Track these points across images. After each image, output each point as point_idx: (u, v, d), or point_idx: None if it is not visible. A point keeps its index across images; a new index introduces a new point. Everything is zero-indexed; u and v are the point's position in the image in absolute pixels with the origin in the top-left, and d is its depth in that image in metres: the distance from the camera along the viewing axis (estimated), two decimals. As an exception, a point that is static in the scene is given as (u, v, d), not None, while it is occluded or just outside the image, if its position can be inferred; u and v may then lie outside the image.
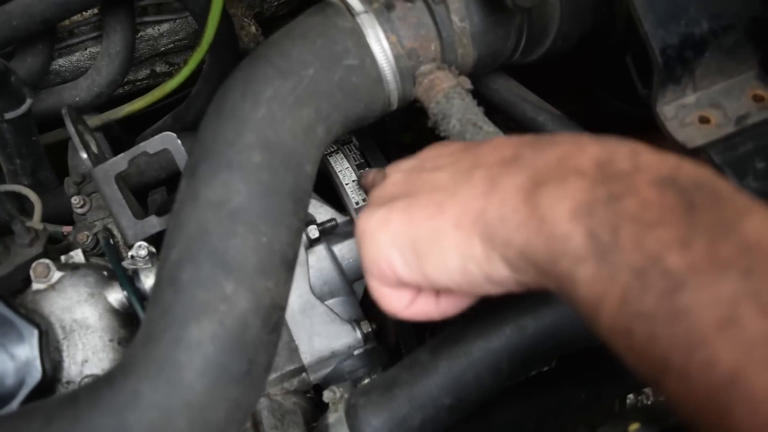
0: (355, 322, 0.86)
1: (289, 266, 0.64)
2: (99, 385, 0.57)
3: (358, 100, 0.72)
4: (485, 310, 0.69)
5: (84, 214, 0.98)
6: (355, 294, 0.94)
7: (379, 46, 0.71)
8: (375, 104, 0.74)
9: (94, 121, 1.12)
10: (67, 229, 1.01)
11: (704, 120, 0.72)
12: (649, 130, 1.13)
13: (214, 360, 0.56)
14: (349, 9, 0.72)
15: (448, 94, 0.73)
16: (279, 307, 0.62)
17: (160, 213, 0.90)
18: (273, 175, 0.64)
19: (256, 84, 0.67)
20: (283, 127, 0.66)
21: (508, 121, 0.89)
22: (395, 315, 0.57)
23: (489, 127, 0.73)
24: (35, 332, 0.73)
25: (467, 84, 0.76)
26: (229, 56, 1.09)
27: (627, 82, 0.93)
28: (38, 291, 0.80)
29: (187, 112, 1.16)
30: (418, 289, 0.55)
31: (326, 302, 0.87)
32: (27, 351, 0.73)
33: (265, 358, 0.60)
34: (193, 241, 0.60)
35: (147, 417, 0.54)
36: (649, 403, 0.84)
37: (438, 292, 0.56)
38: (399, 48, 0.73)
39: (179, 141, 0.86)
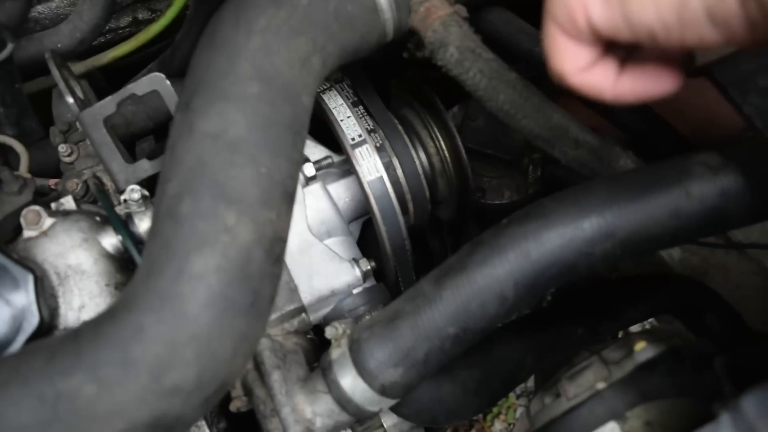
0: (353, 260, 0.85)
1: (289, 198, 0.63)
2: (101, 320, 0.56)
3: (354, 30, 0.71)
4: (486, 241, 0.69)
5: (72, 163, 0.96)
6: (352, 234, 0.93)
7: (374, -27, 0.70)
8: (371, 35, 0.72)
9: (78, 68, 1.09)
10: (53, 182, 1.00)
11: (704, 42, 0.71)
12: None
13: (219, 291, 0.55)
14: (341, -64, 0.70)
15: (445, 22, 0.72)
16: (281, 239, 0.62)
17: (151, 157, 0.88)
18: (271, 106, 0.62)
19: (248, 13, 0.66)
20: (278, 58, 0.64)
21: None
22: (563, 78, 0.51)
23: (488, 53, 0.71)
24: (30, 277, 0.72)
25: (464, 12, 0.75)
26: (214, -1, 1.06)
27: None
28: (30, 238, 0.79)
29: (172, 58, 1.13)
30: (604, 48, 0.49)
31: (324, 242, 0.86)
32: (23, 297, 0.71)
33: (269, 290, 0.60)
34: (192, 173, 0.59)
35: (152, 350, 0.54)
36: (653, 326, 0.85)
37: (624, 64, 0.50)
38: (394, -25, 0.71)
39: (168, 81, 0.84)
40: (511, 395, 2.21)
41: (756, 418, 0.42)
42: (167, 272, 0.55)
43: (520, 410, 2.18)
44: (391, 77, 1.32)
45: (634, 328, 1.22)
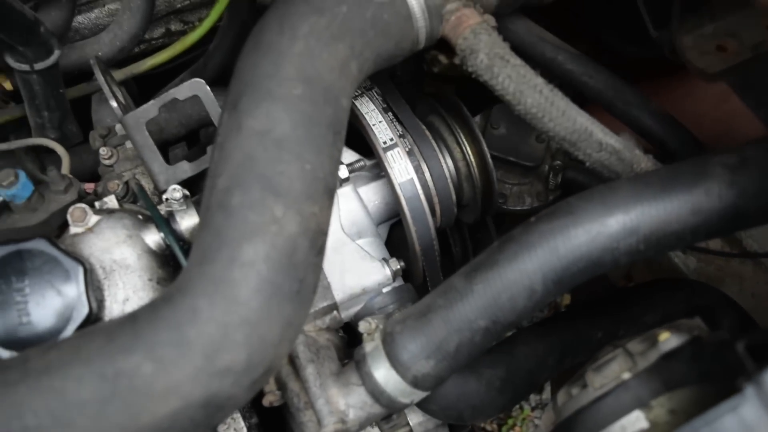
0: (384, 260, 0.88)
1: (330, 194, 0.67)
2: (158, 303, 0.59)
3: (389, 37, 0.74)
4: (515, 238, 0.72)
5: (111, 166, 0.99)
6: (380, 236, 0.97)
7: (409, -17, 0.73)
8: (404, 42, 0.76)
9: (117, 75, 1.13)
10: (89, 186, 1.03)
11: (722, 48, 0.74)
12: (654, 73, 1.16)
13: (268, 278, 0.59)
14: (378, -53, 0.74)
15: (475, 30, 0.76)
16: (323, 232, 0.65)
17: (189, 160, 0.92)
18: (313, 107, 0.66)
19: (292, 19, 0.69)
20: (320, 62, 0.68)
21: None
22: None
23: (516, 60, 0.75)
24: (80, 269, 0.75)
25: (492, 21, 0.78)
26: (247, 11, 1.10)
27: (636, 25, 0.95)
28: (76, 234, 0.82)
29: (204, 67, 1.17)
30: None
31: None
32: (74, 288, 0.75)
33: (312, 279, 0.63)
34: (241, 167, 0.62)
35: (206, 331, 0.57)
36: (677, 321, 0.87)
37: None
38: (427, -15, 0.75)
39: (208, 87, 0.88)
40: (527, 407, 2.22)
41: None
42: (219, 259, 0.59)
43: (536, 421, 2.19)
44: (414, 89, 1.37)
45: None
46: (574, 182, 1.14)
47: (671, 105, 0.91)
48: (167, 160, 1.14)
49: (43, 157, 1.20)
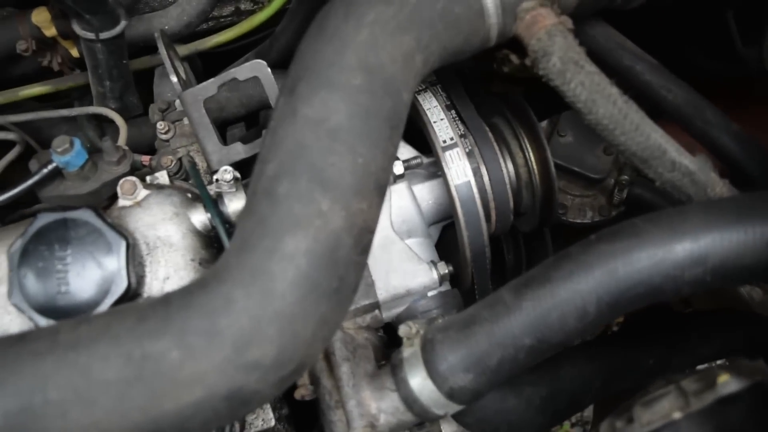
0: (432, 262, 0.85)
1: (381, 191, 0.64)
2: (192, 288, 0.57)
3: (459, 31, 0.71)
4: (572, 256, 0.68)
5: (167, 141, 0.99)
6: (431, 237, 0.93)
7: (484, -23, 0.70)
8: (474, 37, 0.73)
9: (181, 50, 1.13)
10: (146, 159, 1.03)
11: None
12: (735, 89, 1.10)
13: (307, 273, 0.56)
14: (455, -62, 0.71)
15: (550, 31, 0.71)
16: (369, 230, 0.62)
17: (244, 141, 0.90)
18: (372, 98, 0.63)
19: (358, 6, 0.67)
20: (384, 52, 0.65)
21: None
22: None
23: (591, 66, 0.71)
24: (123, 243, 0.74)
25: (569, 23, 0.74)
26: (317, -6, 1.08)
27: (723, 40, 0.90)
28: (124, 207, 0.82)
29: (270, 49, 1.15)
30: None
31: (404, 241, 0.86)
32: (114, 262, 0.74)
33: (353, 278, 0.60)
34: (291, 156, 0.60)
35: (238, 323, 0.55)
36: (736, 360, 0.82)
37: None
38: (503, -19, 0.71)
39: (269, 69, 0.86)
40: (566, 423, 2.17)
41: None
42: (260, 249, 0.57)
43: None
44: (480, 87, 1.33)
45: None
46: (641, 199, 1.08)
47: (755, 129, 0.86)
48: (224, 139, 1.13)
49: (105, 126, 1.21)
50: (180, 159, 0.93)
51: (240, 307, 0.55)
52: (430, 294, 0.86)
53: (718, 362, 0.90)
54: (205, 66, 1.31)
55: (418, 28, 0.68)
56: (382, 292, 0.83)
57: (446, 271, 0.85)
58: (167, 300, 0.57)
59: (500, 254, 1.13)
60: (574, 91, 0.71)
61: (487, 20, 0.72)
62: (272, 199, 0.59)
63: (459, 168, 0.83)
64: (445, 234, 0.98)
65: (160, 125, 0.96)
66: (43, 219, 0.74)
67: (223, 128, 1.16)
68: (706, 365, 0.88)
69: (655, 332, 0.94)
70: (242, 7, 1.25)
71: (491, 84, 1.32)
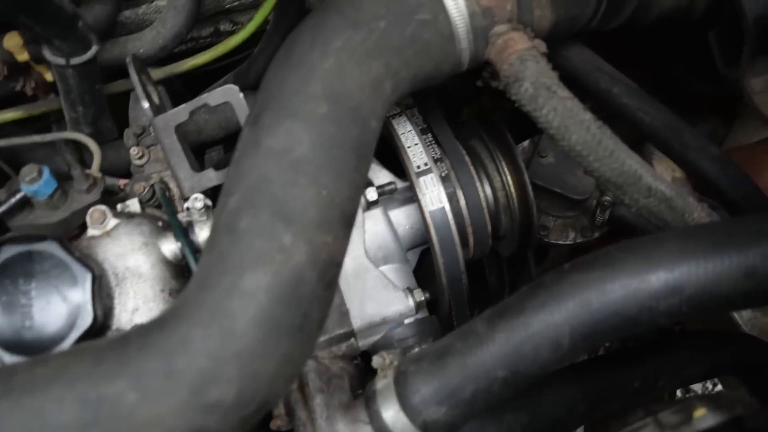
0: (408, 289, 0.84)
1: (347, 222, 0.62)
2: (150, 328, 0.56)
3: (429, 57, 0.70)
4: (546, 285, 0.66)
5: (142, 166, 0.97)
6: (409, 262, 0.92)
7: (454, 1, 0.69)
8: (445, 63, 0.71)
9: (156, 73, 1.11)
10: (123, 182, 1.01)
11: (795, 96, 0.67)
12: (721, 109, 1.09)
13: (268, 311, 0.55)
14: (424, -38, 0.69)
15: (522, 56, 0.70)
16: (335, 263, 0.61)
17: (218, 167, 0.89)
18: (338, 128, 0.62)
19: (325, 33, 0.66)
20: (350, 80, 0.64)
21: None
22: None
23: (564, 92, 0.70)
24: (89, 276, 0.73)
25: (542, 47, 0.73)
26: (295, 15, 1.07)
27: (706, 61, 0.89)
28: (93, 237, 0.80)
29: (248, 71, 1.14)
30: None
31: (379, 268, 0.85)
32: (80, 294, 0.72)
33: (318, 314, 0.59)
34: (254, 189, 0.59)
35: (196, 363, 0.53)
36: (717, 390, 0.80)
37: None
38: (474, 5, 0.70)
39: (241, 94, 0.85)
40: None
41: None
42: (220, 286, 0.55)
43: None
44: (463, 105, 1.31)
45: (696, 387, 1.16)
46: (623, 220, 1.07)
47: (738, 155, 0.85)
48: (202, 163, 1.12)
49: (83, 150, 1.19)
50: (153, 185, 0.92)
51: (198, 348, 0.53)
52: (406, 321, 0.85)
53: (698, 392, 0.89)
54: (187, 85, 1.29)
55: (388, 55, 0.67)
56: (357, 321, 0.82)
57: (422, 298, 0.83)
58: (125, 340, 0.56)
59: (483, 276, 1.12)
60: (547, 117, 0.69)
61: (458, 45, 0.71)
62: (233, 234, 0.57)
63: (433, 194, 0.82)
64: (424, 258, 0.97)
65: (134, 151, 0.95)
66: (7, 252, 0.72)
67: (201, 150, 1.15)
68: (684, 395, 0.87)
69: (643, 352, 0.92)
70: (221, 28, 1.23)
71: (480, 99, 1.31)
